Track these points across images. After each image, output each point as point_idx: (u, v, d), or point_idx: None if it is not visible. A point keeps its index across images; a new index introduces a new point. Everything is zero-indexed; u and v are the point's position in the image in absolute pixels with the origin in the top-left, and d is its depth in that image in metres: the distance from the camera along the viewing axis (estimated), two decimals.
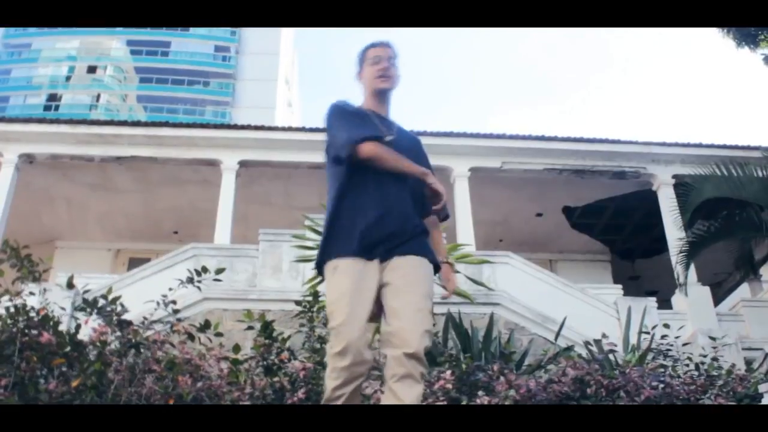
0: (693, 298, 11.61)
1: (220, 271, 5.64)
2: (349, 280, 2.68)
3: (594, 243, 16.89)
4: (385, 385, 2.64)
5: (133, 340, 5.18)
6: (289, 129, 14.69)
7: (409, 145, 3.05)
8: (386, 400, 2.60)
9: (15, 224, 13.14)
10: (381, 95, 3.05)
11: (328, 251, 2.81)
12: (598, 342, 6.53)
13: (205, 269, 5.57)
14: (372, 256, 2.73)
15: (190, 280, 5.47)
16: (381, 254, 2.74)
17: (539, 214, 15.83)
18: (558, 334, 7.97)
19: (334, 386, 2.61)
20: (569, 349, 7.19)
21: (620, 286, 12.74)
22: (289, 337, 5.56)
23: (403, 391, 2.53)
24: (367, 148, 2.80)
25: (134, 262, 14.63)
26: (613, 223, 16.02)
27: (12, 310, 5.31)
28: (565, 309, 9.10)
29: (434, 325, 2.84)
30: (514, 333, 8.26)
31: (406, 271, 2.71)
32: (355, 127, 2.88)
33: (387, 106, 3.10)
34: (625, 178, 13.91)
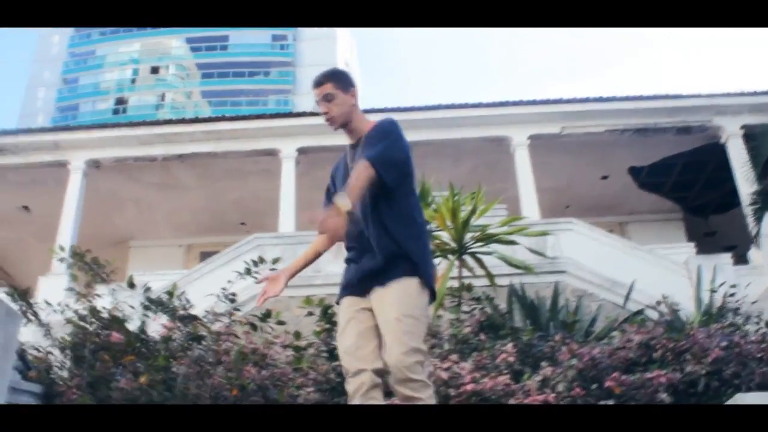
0: None
1: (276, 260, 5.73)
2: (341, 317, 3.04)
3: (664, 202, 16.40)
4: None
5: (195, 334, 5.29)
6: None
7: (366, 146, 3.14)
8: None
9: (88, 228, 13.59)
10: (343, 128, 3.23)
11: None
12: (662, 303, 6.37)
13: (262, 259, 5.66)
14: (358, 292, 3.01)
15: (248, 272, 5.57)
16: (364, 288, 2.99)
17: (605, 177, 15.46)
18: (627, 299, 7.81)
19: (348, 395, 2.86)
20: (639, 312, 7.03)
21: (693, 244, 12.39)
22: None
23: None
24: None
25: (205, 256, 14.89)
26: (683, 179, 15.49)
27: (85, 312, 5.51)
28: (634, 272, 8.89)
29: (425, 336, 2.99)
30: (582, 300, 8.12)
31: (376, 305, 2.93)
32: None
33: (354, 128, 3.23)
34: (690, 133, 13.44)
